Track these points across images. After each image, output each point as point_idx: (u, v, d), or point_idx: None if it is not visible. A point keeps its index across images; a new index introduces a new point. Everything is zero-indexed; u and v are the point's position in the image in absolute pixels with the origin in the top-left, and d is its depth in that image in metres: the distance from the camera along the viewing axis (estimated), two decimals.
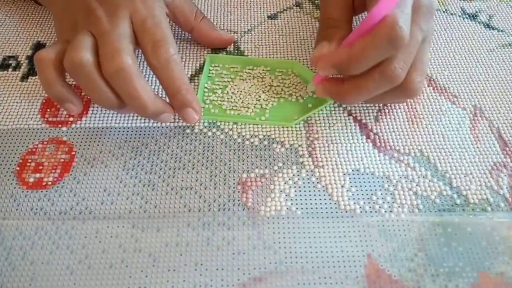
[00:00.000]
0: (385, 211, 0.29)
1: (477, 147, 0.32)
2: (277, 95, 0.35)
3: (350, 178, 0.31)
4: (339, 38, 0.30)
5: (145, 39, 0.30)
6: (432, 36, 0.32)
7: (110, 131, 0.33)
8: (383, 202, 0.29)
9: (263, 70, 0.36)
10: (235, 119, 0.33)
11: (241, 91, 0.35)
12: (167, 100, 0.31)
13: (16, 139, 0.32)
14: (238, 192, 0.30)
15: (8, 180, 0.30)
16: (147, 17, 0.30)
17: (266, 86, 0.35)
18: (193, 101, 0.30)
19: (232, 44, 0.39)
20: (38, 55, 0.29)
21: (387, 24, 0.26)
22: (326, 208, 0.29)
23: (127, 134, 0.33)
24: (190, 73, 0.36)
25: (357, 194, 0.30)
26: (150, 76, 0.36)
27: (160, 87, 0.33)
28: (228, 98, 0.35)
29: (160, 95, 0.33)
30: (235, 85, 0.35)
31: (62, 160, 0.31)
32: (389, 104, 0.35)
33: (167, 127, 0.33)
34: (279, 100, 0.34)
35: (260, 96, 0.34)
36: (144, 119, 0.33)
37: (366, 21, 0.26)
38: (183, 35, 0.39)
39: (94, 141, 0.32)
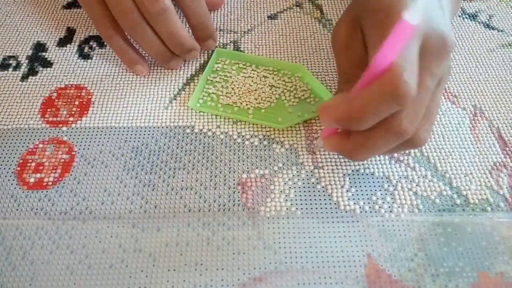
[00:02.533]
0: (385, 211, 0.29)
1: (477, 147, 0.32)
2: (276, 96, 0.35)
3: (350, 179, 0.31)
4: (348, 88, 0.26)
5: None
6: (448, 77, 0.27)
7: (111, 131, 0.33)
8: (383, 202, 0.29)
9: (267, 70, 0.36)
10: (228, 115, 0.33)
11: (240, 88, 0.35)
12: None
13: (17, 139, 0.32)
14: (238, 192, 0.30)
15: (9, 180, 0.30)
16: None
17: (267, 86, 0.35)
18: (214, 32, 0.35)
19: (232, 43, 0.39)
20: (92, 16, 0.33)
21: (389, 79, 0.22)
22: (326, 208, 0.29)
23: (127, 134, 0.33)
24: (190, 72, 0.36)
25: (357, 195, 0.30)
26: None
27: None
28: (227, 93, 0.35)
29: None
30: (237, 81, 0.35)
31: (63, 160, 0.31)
32: None
33: (167, 127, 0.33)
34: (277, 101, 0.34)
35: (259, 95, 0.35)
36: (145, 120, 0.33)
37: (368, 71, 0.23)
38: None
39: (95, 141, 0.32)
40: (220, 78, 0.36)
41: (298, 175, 0.31)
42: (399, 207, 0.29)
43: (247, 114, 0.34)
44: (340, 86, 0.30)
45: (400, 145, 0.26)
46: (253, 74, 0.36)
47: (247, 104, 0.34)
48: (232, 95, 0.35)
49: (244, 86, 0.35)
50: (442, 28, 0.25)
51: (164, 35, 0.32)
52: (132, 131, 0.33)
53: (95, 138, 0.33)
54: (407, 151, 0.32)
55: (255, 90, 0.35)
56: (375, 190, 0.30)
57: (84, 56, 0.38)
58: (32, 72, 0.37)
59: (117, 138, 0.33)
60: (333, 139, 0.28)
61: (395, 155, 0.32)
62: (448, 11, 0.27)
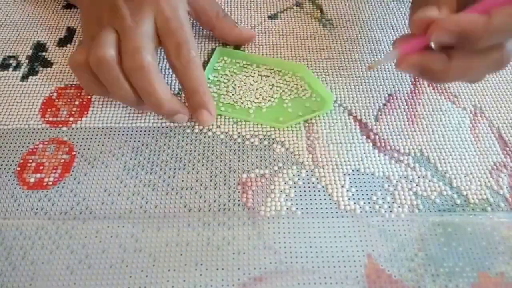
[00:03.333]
0: (385, 211, 0.29)
1: (477, 147, 0.32)
2: (278, 96, 0.35)
3: (350, 178, 0.31)
4: (450, 5, 0.25)
5: (168, 40, 0.31)
6: None
7: (111, 131, 0.33)
8: (383, 202, 0.29)
9: (268, 69, 0.36)
10: (229, 114, 0.33)
11: (241, 87, 0.35)
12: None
13: (17, 139, 0.32)
14: (238, 192, 0.30)
15: (9, 180, 0.30)
16: (171, 18, 0.31)
17: (268, 85, 0.35)
18: (209, 103, 0.32)
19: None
20: (72, 59, 0.31)
21: None
22: (326, 208, 0.29)
23: (127, 134, 0.33)
24: (177, 88, 0.36)
25: (357, 194, 0.30)
26: (169, 76, 0.36)
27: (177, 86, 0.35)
28: (227, 92, 0.35)
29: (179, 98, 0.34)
30: (237, 80, 0.35)
31: (63, 160, 0.31)
32: (389, 104, 0.35)
33: (167, 127, 0.33)
34: (278, 101, 0.34)
35: (260, 95, 0.35)
36: (145, 120, 0.33)
37: None
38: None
39: (95, 141, 0.32)
40: (221, 77, 0.36)
41: (298, 175, 0.31)
42: (399, 207, 0.29)
43: (248, 113, 0.34)
44: (417, 2, 0.28)
45: (486, 66, 0.25)
46: (254, 73, 0.36)
47: (248, 104, 0.34)
48: (233, 94, 0.35)
49: (245, 85, 0.35)
50: None
51: (140, 93, 0.30)
52: (132, 131, 0.33)
53: (95, 138, 0.33)
54: (403, 151, 0.32)
55: (256, 89, 0.35)
56: (375, 190, 0.30)
57: None
58: (32, 72, 0.37)
59: (117, 138, 0.33)
60: (425, 57, 0.25)
61: (395, 155, 0.32)
62: None
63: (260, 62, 0.37)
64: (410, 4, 0.27)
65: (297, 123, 0.33)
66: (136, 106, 0.32)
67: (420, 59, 0.25)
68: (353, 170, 0.31)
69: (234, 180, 0.31)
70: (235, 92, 0.35)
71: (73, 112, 0.34)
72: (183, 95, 0.33)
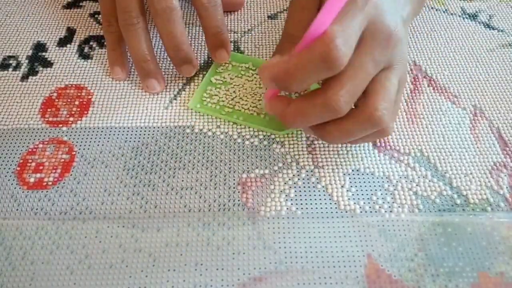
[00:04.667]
0: (385, 211, 0.29)
1: (477, 147, 0.32)
2: None
3: (350, 178, 0.31)
4: (288, 51, 0.27)
5: None
6: (402, 65, 0.27)
7: (111, 131, 0.33)
8: (383, 202, 0.29)
9: None
10: (228, 119, 0.33)
11: (242, 91, 0.35)
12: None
13: (17, 139, 0.32)
14: (238, 192, 0.30)
15: (9, 180, 0.30)
16: None
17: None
18: (227, 43, 0.34)
19: (232, 43, 0.39)
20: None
21: (322, 41, 0.23)
22: (326, 208, 0.29)
23: (127, 134, 0.33)
24: (177, 88, 0.36)
25: (357, 194, 0.30)
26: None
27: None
28: (227, 96, 0.35)
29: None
30: (238, 85, 0.35)
31: (63, 160, 0.31)
32: None
33: (167, 127, 0.33)
34: None
35: (259, 100, 0.34)
36: (145, 120, 0.33)
37: (306, 35, 0.24)
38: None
39: (95, 141, 0.32)
40: (222, 81, 0.36)
41: (298, 175, 0.31)
42: (399, 207, 0.29)
43: (249, 119, 0.33)
44: (280, 45, 0.31)
45: (360, 124, 0.26)
46: (255, 77, 0.36)
47: (248, 109, 0.34)
48: (233, 98, 0.34)
49: (246, 89, 0.35)
50: (389, 22, 0.26)
51: (164, 35, 0.32)
52: (132, 131, 0.33)
53: (95, 138, 0.33)
54: (403, 151, 0.32)
55: (256, 94, 0.35)
56: (375, 190, 0.30)
57: (84, 56, 0.38)
58: (32, 72, 0.37)
59: (117, 138, 0.33)
60: (275, 101, 0.28)
61: (395, 155, 0.32)
62: (404, 12, 0.28)
63: (259, 65, 0.37)
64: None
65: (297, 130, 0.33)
66: (142, 56, 0.33)
67: (270, 104, 0.28)
68: (353, 170, 0.31)
69: (234, 180, 0.31)
70: (236, 96, 0.34)
71: (73, 112, 0.34)
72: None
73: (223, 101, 0.34)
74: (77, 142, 0.32)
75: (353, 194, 0.30)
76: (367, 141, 0.32)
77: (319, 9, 0.28)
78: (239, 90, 0.35)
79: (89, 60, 0.37)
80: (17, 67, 0.37)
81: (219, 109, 0.34)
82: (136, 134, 0.33)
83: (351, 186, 0.30)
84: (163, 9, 0.31)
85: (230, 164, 0.31)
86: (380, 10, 0.25)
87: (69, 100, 0.35)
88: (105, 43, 0.38)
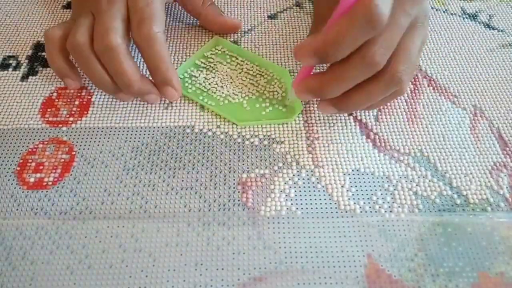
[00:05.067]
0: (385, 211, 0.29)
1: (477, 147, 0.32)
2: (255, 94, 0.35)
3: (350, 178, 0.31)
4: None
5: (133, 17, 0.32)
6: (426, 22, 0.29)
7: (111, 131, 0.33)
8: (383, 202, 0.29)
9: (257, 68, 0.36)
10: (194, 97, 0.34)
11: (221, 77, 0.35)
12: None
13: (17, 139, 0.32)
14: (238, 192, 0.30)
15: (9, 180, 0.30)
16: None
17: (249, 83, 0.35)
18: (172, 79, 0.32)
19: (233, 43, 0.39)
20: (47, 32, 0.33)
21: (363, 2, 0.23)
22: (326, 208, 0.29)
23: (127, 134, 0.33)
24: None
25: (357, 194, 0.30)
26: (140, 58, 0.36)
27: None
28: (205, 79, 0.35)
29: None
30: (221, 71, 0.36)
31: (63, 160, 0.31)
32: (389, 103, 0.35)
33: (167, 127, 0.33)
34: (254, 99, 0.34)
35: (234, 89, 0.35)
36: (145, 120, 0.33)
37: (343, 2, 0.25)
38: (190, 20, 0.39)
39: (95, 141, 0.32)
40: (207, 64, 0.36)
41: (298, 175, 0.31)
42: (399, 207, 0.29)
43: (215, 102, 0.34)
44: (314, 27, 0.31)
45: (380, 85, 0.28)
46: (241, 68, 0.36)
47: (219, 94, 0.35)
48: (210, 83, 0.35)
49: (226, 76, 0.36)
50: None
51: (111, 73, 0.31)
52: (132, 131, 0.33)
53: (95, 138, 0.33)
54: (403, 151, 0.32)
55: (231, 83, 0.35)
56: (375, 190, 0.30)
57: None
58: (32, 72, 0.37)
59: (117, 138, 0.33)
60: (307, 80, 0.28)
61: (395, 154, 0.32)
62: None
63: (251, 60, 0.37)
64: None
65: (256, 124, 0.33)
66: (113, 91, 0.32)
67: (302, 83, 0.29)
68: (353, 170, 0.31)
69: (234, 180, 0.31)
70: (213, 80, 0.35)
71: (73, 112, 0.34)
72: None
73: (199, 83, 0.35)
74: (77, 142, 0.32)
75: (353, 194, 0.30)
76: (383, 104, 0.33)
77: None
78: (219, 77, 0.36)
79: None
80: (17, 67, 0.37)
81: (193, 89, 0.35)
82: (136, 134, 0.33)
83: (351, 186, 0.30)
84: (103, 49, 0.30)
85: (230, 164, 0.31)
86: None
87: (69, 100, 0.35)
88: None
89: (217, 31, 0.39)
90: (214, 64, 0.36)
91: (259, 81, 0.36)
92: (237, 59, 0.37)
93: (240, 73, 0.36)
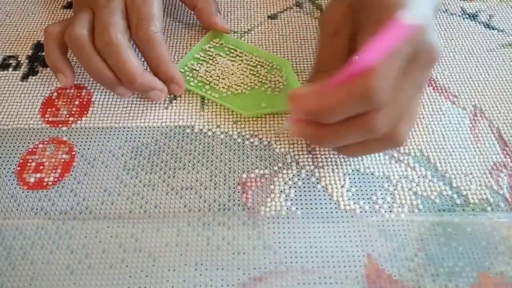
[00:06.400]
0: (385, 211, 0.29)
1: (477, 147, 0.32)
2: (252, 86, 0.35)
3: (350, 178, 0.31)
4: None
5: (131, 16, 0.32)
6: (427, 82, 0.28)
7: (111, 131, 0.33)
8: (383, 202, 0.29)
9: (256, 60, 0.37)
10: (199, 92, 0.34)
11: (222, 70, 0.36)
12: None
13: (17, 139, 0.32)
14: (238, 192, 0.30)
15: (9, 180, 0.30)
16: None
17: (250, 74, 0.36)
18: (174, 76, 0.32)
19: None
20: (46, 27, 0.32)
21: (363, 82, 0.22)
22: (326, 208, 0.29)
23: (127, 134, 0.33)
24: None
25: (357, 194, 0.30)
26: None
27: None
28: (206, 71, 0.35)
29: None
30: (221, 63, 0.36)
31: (63, 160, 0.31)
32: None
33: (167, 127, 0.33)
34: (251, 90, 0.35)
35: (236, 80, 0.35)
36: (145, 120, 0.33)
37: (348, 68, 0.23)
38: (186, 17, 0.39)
39: (95, 141, 0.32)
40: (207, 57, 0.36)
41: (298, 175, 0.31)
42: (399, 207, 0.29)
43: (218, 94, 0.34)
44: (314, 73, 0.30)
45: (379, 144, 0.27)
46: (240, 59, 0.37)
47: (221, 86, 0.35)
48: (211, 75, 0.35)
49: (227, 68, 0.36)
50: (433, 39, 0.24)
51: (113, 68, 0.31)
52: (132, 131, 0.33)
53: (95, 138, 0.33)
54: (403, 151, 0.32)
55: (232, 74, 0.35)
56: (375, 190, 0.30)
57: None
58: (32, 72, 0.37)
59: (117, 138, 0.33)
60: (303, 126, 0.27)
61: (395, 154, 0.32)
62: (434, 21, 0.28)
63: (249, 51, 0.37)
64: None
65: (262, 115, 0.34)
66: (112, 85, 0.32)
67: (300, 128, 0.27)
68: (353, 170, 0.31)
69: (234, 180, 0.31)
70: (214, 73, 0.35)
71: (73, 112, 0.34)
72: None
73: (201, 76, 0.35)
74: (77, 142, 0.32)
75: (353, 194, 0.30)
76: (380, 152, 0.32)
77: (350, 35, 0.27)
78: (219, 69, 0.36)
79: None
80: (17, 67, 0.37)
81: (195, 82, 0.35)
82: (136, 134, 0.33)
83: (351, 186, 0.30)
84: (105, 44, 0.30)
85: (230, 164, 0.31)
86: (424, 30, 0.24)
87: (69, 100, 0.35)
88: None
89: (206, 29, 0.39)
90: (213, 57, 0.37)
91: (260, 71, 0.36)
92: (236, 51, 0.37)
93: (240, 64, 0.36)
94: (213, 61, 0.36)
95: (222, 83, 0.35)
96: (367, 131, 0.25)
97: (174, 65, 0.32)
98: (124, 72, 0.30)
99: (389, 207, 0.29)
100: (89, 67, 0.31)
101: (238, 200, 0.30)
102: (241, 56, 0.37)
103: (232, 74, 0.35)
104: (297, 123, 0.27)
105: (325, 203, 0.29)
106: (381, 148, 0.28)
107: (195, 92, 0.34)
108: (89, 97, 0.35)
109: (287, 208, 0.29)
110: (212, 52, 0.37)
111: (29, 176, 0.31)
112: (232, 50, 0.37)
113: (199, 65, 0.36)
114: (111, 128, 0.33)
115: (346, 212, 0.29)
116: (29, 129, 0.33)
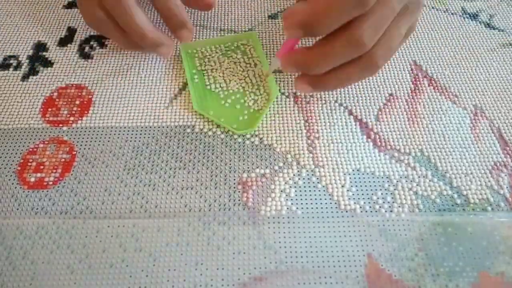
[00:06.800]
0: (386, 211, 0.29)
1: (478, 147, 0.32)
2: (241, 90, 0.35)
3: (350, 178, 0.31)
4: None
5: None
6: (417, 10, 0.28)
7: (111, 131, 0.33)
8: (384, 202, 0.29)
9: (232, 61, 0.37)
10: (218, 121, 0.33)
11: (223, 75, 0.36)
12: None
13: (17, 139, 0.32)
14: (239, 192, 0.30)
15: (9, 180, 0.30)
16: None
17: (237, 77, 0.36)
18: (185, 21, 0.33)
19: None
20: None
21: None
22: (326, 208, 0.29)
23: (128, 134, 0.33)
24: (177, 88, 0.36)
25: (358, 194, 0.30)
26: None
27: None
28: (215, 80, 0.36)
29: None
30: (223, 67, 0.36)
31: (63, 159, 0.31)
32: (389, 104, 0.35)
33: (167, 127, 0.33)
34: (240, 96, 0.35)
35: (247, 75, 0.36)
36: (146, 119, 0.33)
37: None
38: None
39: (95, 141, 0.32)
40: (204, 70, 0.36)
41: (298, 175, 0.31)
42: (399, 206, 0.29)
43: (241, 96, 0.34)
44: None
45: (357, 68, 0.27)
46: (221, 65, 0.37)
47: (238, 88, 0.35)
48: (222, 82, 0.35)
49: (231, 71, 0.36)
50: None
51: (122, 26, 0.32)
52: (132, 131, 0.33)
53: (96, 137, 0.33)
54: (404, 151, 0.32)
55: (234, 75, 0.36)
56: (376, 189, 0.30)
57: (84, 55, 0.38)
58: (32, 71, 0.37)
59: (118, 137, 0.33)
60: (293, 53, 0.28)
61: (395, 154, 0.32)
62: None
63: (217, 42, 0.38)
64: None
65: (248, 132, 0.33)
66: (132, 46, 0.33)
67: (288, 56, 0.28)
68: (353, 170, 0.31)
69: (234, 179, 0.31)
70: (221, 79, 0.36)
71: (73, 112, 0.34)
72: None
73: (215, 87, 0.35)
74: (77, 141, 0.32)
75: (353, 194, 0.30)
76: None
77: None
78: (220, 75, 0.36)
79: (90, 60, 0.37)
80: (17, 66, 0.37)
81: (217, 95, 0.35)
82: (136, 134, 0.33)
83: (352, 186, 0.30)
84: (112, 5, 0.31)
85: (230, 164, 0.31)
86: None
87: (69, 99, 0.35)
88: (105, 43, 0.38)
89: (188, 4, 0.37)
90: (209, 66, 0.37)
91: (240, 71, 0.36)
92: (211, 49, 0.37)
93: (225, 69, 0.36)
94: (213, 69, 0.36)
95: (234, 86, 0.35)
96: (354, 43, 0.25)
97: (185, 11, 0.33)
98: (134, 29, 0.31)
99: (390, 206, 0.29)
100: (108, 35, 0.33)
101: (239, 200, 0.30)
102: (221, 61, 0.37)
103: (234, 75, 0.36)
104: (285, 55, 0.28)
105: (326, 203, 0.29)
106: (358, 73, 0.28)
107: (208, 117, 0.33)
108: (90, 96, 0.35)
109: (287, 208, 0.29)
110: (202, 62, 0.37)
111: (29, 175, 0.31)
112: (209, 51, 0.37)
113: (206, 78, 0.36)
114: (112, 127, 0.33)
115: (347, 211, 0.29)
116: (30, 128, 0.33)
